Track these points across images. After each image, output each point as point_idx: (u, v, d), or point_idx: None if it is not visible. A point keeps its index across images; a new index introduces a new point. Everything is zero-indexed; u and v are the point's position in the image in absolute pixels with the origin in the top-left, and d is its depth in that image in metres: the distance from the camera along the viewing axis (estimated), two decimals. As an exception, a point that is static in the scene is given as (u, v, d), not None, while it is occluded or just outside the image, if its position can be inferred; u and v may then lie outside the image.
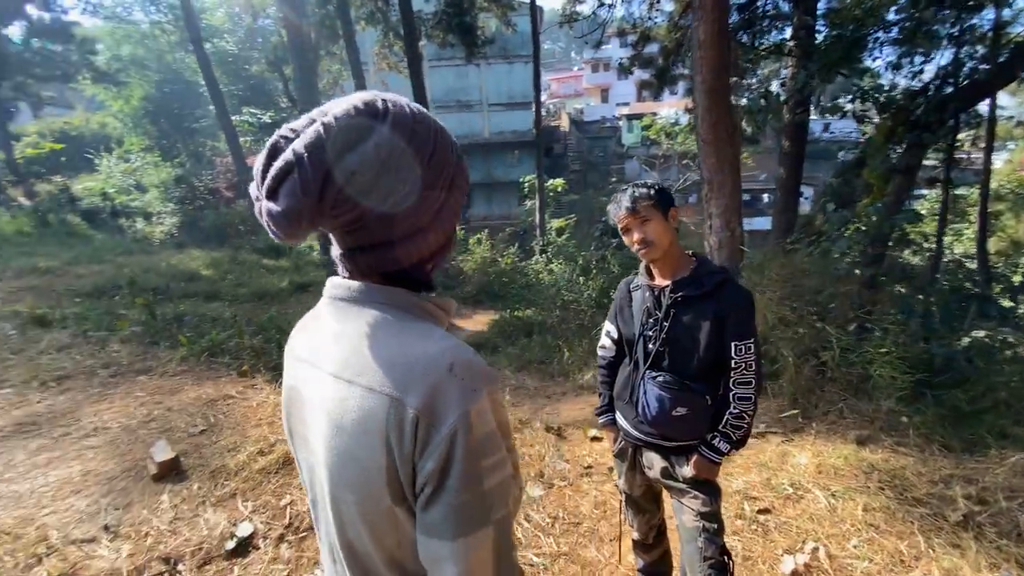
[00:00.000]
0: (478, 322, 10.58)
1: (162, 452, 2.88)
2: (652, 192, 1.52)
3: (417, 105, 0.67)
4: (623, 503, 1.84)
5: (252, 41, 19.01)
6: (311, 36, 11.51)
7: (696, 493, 1.54)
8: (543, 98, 32.69)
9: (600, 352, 1.86)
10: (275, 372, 4.60)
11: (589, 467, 3.03)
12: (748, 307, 1.51)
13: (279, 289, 9.66)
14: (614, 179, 21.72)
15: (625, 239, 1.57)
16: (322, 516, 0.71)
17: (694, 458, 1.54)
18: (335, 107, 0.61)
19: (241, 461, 2.87)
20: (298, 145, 0.57)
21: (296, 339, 0.75)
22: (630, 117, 25.96)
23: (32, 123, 21.44)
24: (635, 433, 1.64)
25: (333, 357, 0.64)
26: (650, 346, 1.58)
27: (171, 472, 2.81)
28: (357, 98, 0.62)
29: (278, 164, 0.58)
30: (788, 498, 2.54)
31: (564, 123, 29.50)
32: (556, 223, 17.62)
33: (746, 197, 23.83)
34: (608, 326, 1.80)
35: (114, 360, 4.59)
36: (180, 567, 2.19)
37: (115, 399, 3.81)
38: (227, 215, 14.24)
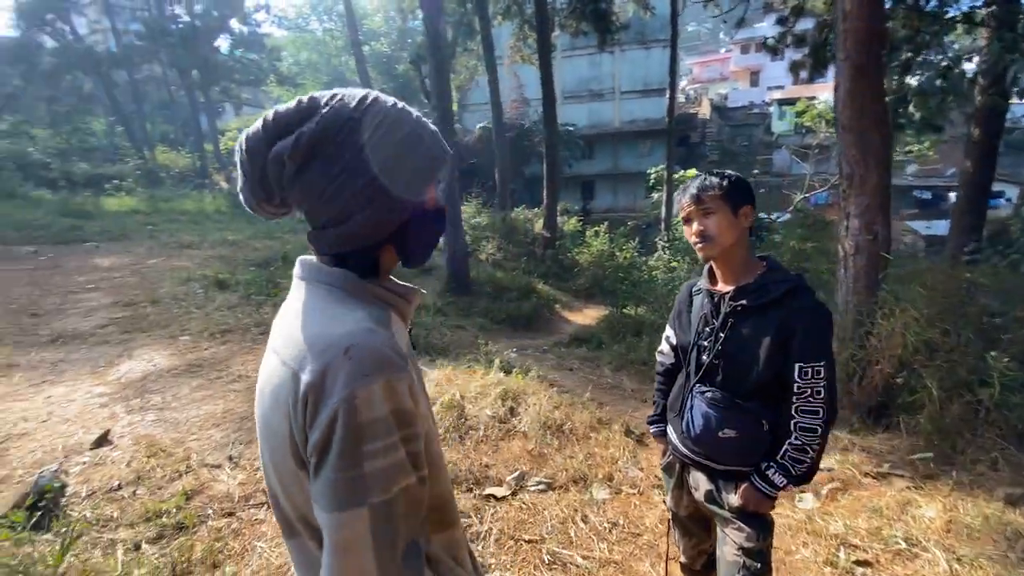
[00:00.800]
0: (588, 316, 10.46)
1: (280, 402, 3.35)
2: (724, 183, 1.36)
3: (375, 98, 0.70)
4: (670, 522, 1.71)
5: (403, 42, 20.76)
6: (447, 34, 12.25)
7: (741, 525, 1.37)
8: (683, 84, 30.77)
9: (658, 357, 1.74)
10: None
11: (664, 478, 2.85)
12: (820, 323, 1.29)
13: (408, 269, 10.55)
14: (757, 171, 19.74)
15: (685, 230, 1.44)
16: None
17: (743, 487, 1.36)
18: (286, 103, 0.67)
19: (338, 420, 3.23)
20: (242, 135, 0.65)
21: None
22: (782, 102, 23.27)
23: (234, 120, 26.10)
24: (682, 449, 1.51)
25: (276, 330, 0.70)
26: (703, 357, 1.43)
27: (285, 420, 3.26)
28: (308, 94, 0.68)
29: (235, 149, 0.66)
30: (898, 554, 2.12)
31: (705, 110, 27.46)
32: (684, 218, 16.57)
33: (926, 195, 20.00)
34: (668, 330, 1.67)
35: (265, 320, 5.43)
36: (276, 502, 2.55)
37: (259, 352, 4.51)
38: (372, 200, 15.85)
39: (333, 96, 0.67)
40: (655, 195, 18.01)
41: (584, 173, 23.94)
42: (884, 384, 3.17)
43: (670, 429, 1.60)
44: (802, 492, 2.72)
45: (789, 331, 1.27)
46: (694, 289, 1.55)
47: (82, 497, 2.44)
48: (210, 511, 2.44)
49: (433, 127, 0.77)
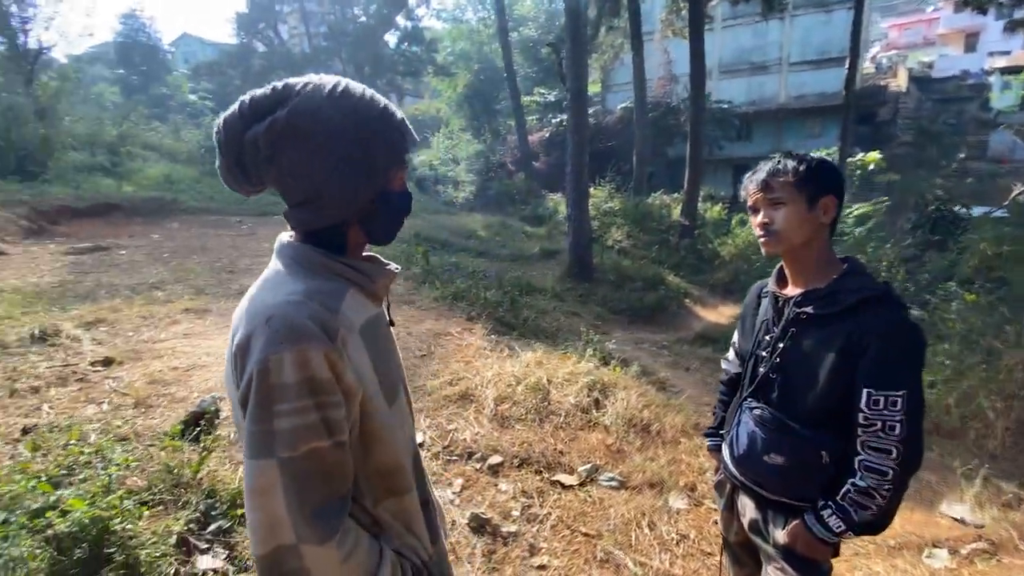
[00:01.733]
0: (722, 314, 9.66)
1: (388, 365, 3.72)
2: (801, 169, 1.16)
3: (345, 86, 0.75)
4: (721, 545, 1.55)
5: (550, 25, 20.83)
6: (590, 11, 11.99)
7: (785, 566, 1.19)
8: (874, 51, 26.03)
9: (723, 364, 1.57)
10: (496, 323, 5.27)
11: (755, 499, 2.56)
12: (902, 343, 1.04)
13: (531, 253, 10.79)
14: (964, 155, 16.01)
15: (752, 221, 1.27)
16: None
17: (793, 524, 1.18)
18: (261, 88, 0.74)
19: (434, 386, 3.48)
20: (220, 118, 0.73)
21: None
22: (1006, 71, 18.38)
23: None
24: (731, 469, 1.35)
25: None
26: (760, 368, 1.26)
27: (390, 382, 3.62)
28: (283, 81, 0.74)
29: (214, 129, 0.75)
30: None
31: (900, 81, 22.87)
32: (858, 208, 14.20)
33: None
34: (736, 335, 1.50)
35: (394, 291, 6.01)
36: (369, 452, 2.87)
37: (383, 319, 5.05)
38: (508, 185, 16.44)
39: (306, 84, 0.73)
40: (820, 182, 15.69)
41: (738, 155, 21.68)
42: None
43: (724, 445, 1.44)
44: (935, 546, 2.25)
45: (858, 349, 1.06)
46: (763, 290, 1.36)
47: (229, 422, 3.01)
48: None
49: (403, 115, 0.79)
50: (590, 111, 19.90)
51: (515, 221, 13.91)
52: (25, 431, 2.74)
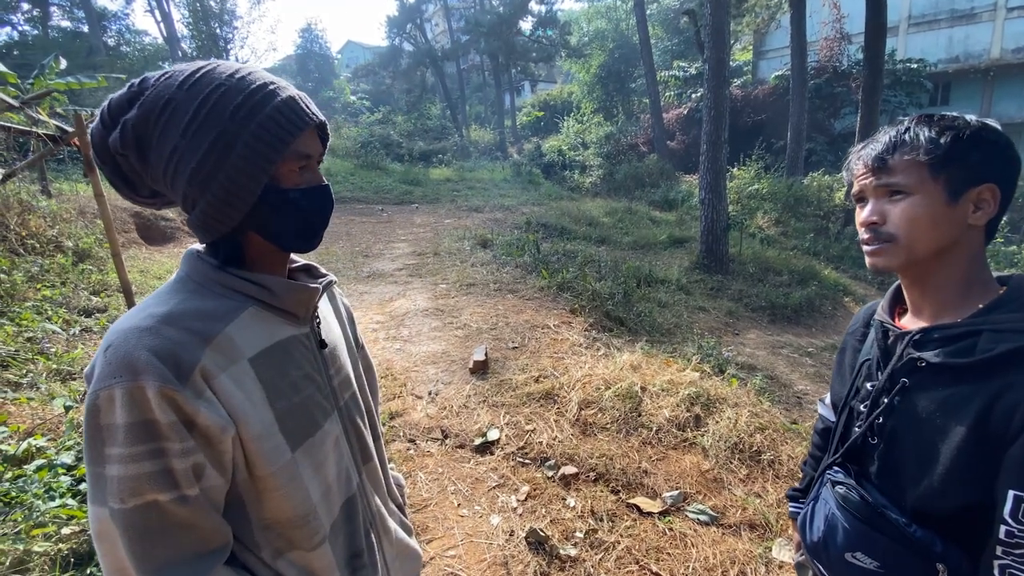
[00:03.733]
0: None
1: (479, 354, 3.71)
2: (941, 140, 0.74)
3: (208, 70, 0.63)
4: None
5: (695, -9, 19.07)
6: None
7: None
8: None
9: (819, 408, 1.19)
10: (602, 317, 4.99)
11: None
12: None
13: (657, 241, 10.07)
14: None
15: (856, 214, 0.88)
16: None
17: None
18: (121, 89, 0.65)
19: (520, 381, 3.38)
20: (89, 131, 0.66)
21: None
22: None
23: (530, 97, 29.18)
24: (809, 555, 1.00)
25: None
26: (854, 427, 0.90)
27: (480, 370, 3.61)
28: (142, 76, 0.65)
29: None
30: None
31: None
32: (1112, 189, 10.70)
33: None
34: (834, 374, 1.12)
35: (501, 279, 6.06)
36: (447, 440, 2.87)
37: (486, 306, 5.08)
38: (637, 168, 15.58)
39: (163, 75, 0.63)
40: (1056, 153, 12.15)
41: (931, 125, 17.79)
42: None
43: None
44: None
45: (1004, 426, 0.66)
46: (875, 317, 0.97)
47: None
48: (400, 434, 2.93)
49: (291, 93, 0.65)
50: (738, 81, 17.88)
51: (642, 206, 13.10)
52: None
